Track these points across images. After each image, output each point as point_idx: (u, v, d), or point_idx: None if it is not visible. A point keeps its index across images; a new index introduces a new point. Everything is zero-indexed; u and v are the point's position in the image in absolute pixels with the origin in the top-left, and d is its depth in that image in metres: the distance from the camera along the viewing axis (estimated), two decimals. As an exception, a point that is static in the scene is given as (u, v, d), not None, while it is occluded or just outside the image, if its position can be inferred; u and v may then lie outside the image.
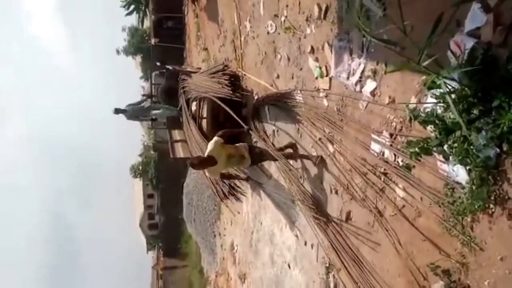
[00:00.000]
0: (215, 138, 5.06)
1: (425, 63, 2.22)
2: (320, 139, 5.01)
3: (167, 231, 32.62)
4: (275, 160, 5.73)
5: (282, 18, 6.23)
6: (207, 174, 5.44)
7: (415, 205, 3.27)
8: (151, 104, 10.80)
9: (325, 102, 4.92)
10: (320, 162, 5.00)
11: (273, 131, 6.84)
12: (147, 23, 31.01)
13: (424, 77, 2.78)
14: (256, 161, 5.58)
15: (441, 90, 2.10)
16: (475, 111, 2.24)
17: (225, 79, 7.76)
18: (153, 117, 10.99)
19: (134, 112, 10.90)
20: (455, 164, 2.39)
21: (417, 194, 3.26)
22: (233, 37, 9.36)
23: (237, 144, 5.33)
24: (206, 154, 4.97)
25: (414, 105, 2.77)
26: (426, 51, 2.14)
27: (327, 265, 4.96)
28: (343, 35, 4.44)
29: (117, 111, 10.45)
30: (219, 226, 12.25)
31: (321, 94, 5.03)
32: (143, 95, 14.62)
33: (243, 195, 7.77)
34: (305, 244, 5.68)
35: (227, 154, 5.07)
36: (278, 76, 6.58)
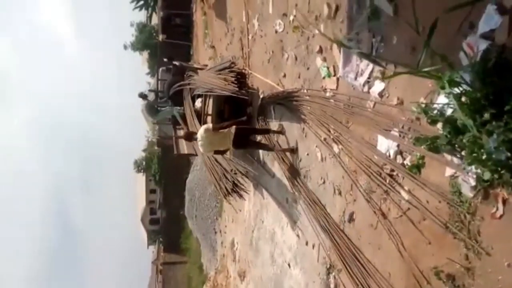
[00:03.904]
0: (206, 126, 6.08)
1: (426, 69, 2.17)
2: (325, 139, 4.98)
3: (168, 226, 32.63)
4: (268, 150, 6.55)
5: (291, 17, 6.20)
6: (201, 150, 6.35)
7: (421, 208, 3.23)
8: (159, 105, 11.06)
9: (332, 102, 4.88)
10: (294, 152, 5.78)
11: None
12: (155, 20, 31.06)
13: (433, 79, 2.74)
14: (241, 145, 6.34)
15: (453, 91, 2.06)
16: (486, 115, 2.20)
17: (231, 76, 7.74)
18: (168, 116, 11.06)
19: (150, 107, 11.13)
20: (464, 164, 2.35)
21: (422, 197, 3.22)
22: (240, 35, 9.34)
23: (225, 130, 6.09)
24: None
25: (424, 105, 2.73)
26: (430, 54, 2.09)
27: (328, 266, 4.92)
28: (353, 35, 4.40)
29: (142, 96, 11.08)
30: (220, 223, 12.24)
31: (328, 94, 5.00)
32: (150, 90, 14.69)
33: (246, 192, 7.75)
34: (306, 244, 5.65)
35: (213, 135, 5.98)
36: (284, 75, 6.55)
